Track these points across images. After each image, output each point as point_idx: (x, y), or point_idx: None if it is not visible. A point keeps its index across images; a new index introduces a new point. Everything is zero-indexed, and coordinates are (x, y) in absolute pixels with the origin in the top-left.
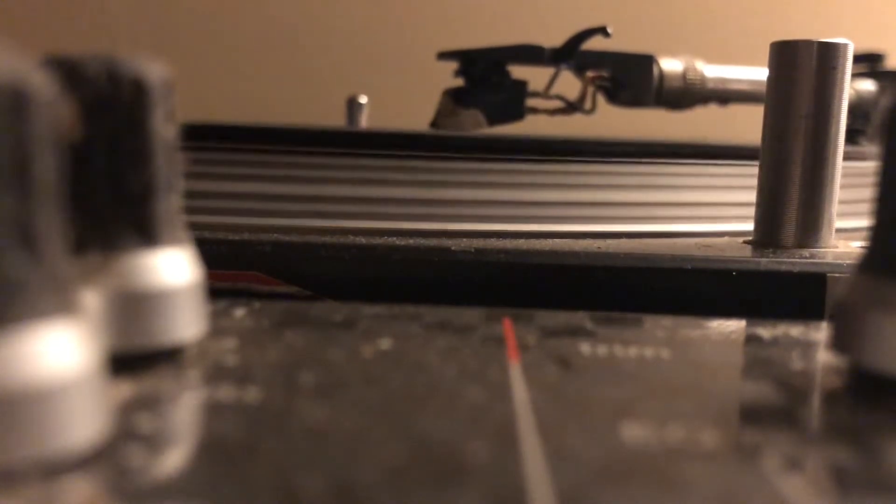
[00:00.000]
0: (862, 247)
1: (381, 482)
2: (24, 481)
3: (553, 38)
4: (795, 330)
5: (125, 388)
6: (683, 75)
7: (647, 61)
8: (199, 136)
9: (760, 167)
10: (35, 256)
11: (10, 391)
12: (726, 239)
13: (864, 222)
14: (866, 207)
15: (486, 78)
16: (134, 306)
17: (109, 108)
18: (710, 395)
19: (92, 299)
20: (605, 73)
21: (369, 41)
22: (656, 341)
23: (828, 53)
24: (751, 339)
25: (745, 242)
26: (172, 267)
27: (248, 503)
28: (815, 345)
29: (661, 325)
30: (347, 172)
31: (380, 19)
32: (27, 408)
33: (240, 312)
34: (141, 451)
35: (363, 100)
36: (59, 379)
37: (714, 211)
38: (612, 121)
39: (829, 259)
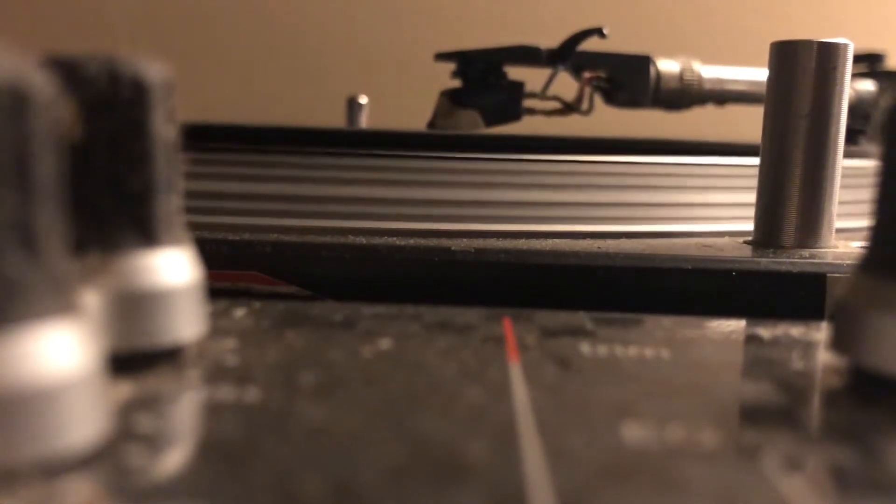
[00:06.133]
0: (862, 247)
1: (381, 482)
2: (24, 481)
3: (550, 38)
4: (795, 330)
5: (125, 388)
6: (680, 76)
7: (644, 62)
8: (199, 136)
9: (760, 167)
10: (35, 256)
11: (10, 391)
12: (726, 239)
13: (864, 222)
14: (866, 207)
15: (483, 79)
16: (134, 306)
17: (109, 108)
18: (710, 395)
19: (92, 299)
20: (602, 74)
21: (369, 41)
22: (656, 341)
23: (828, 53)
24: (751, 339)
25: (745, 242)
26: (172, 267)
27: (248, 503)
28: (815, 345)
29: (661, 325)
30: (347, 172)
31: (380, 19)
32: (27, 408)
33: (240, 312)
34: (141, 451)
35: (363, 100)
36: (59, 379)
37: (714, 211)
38: (610, 121)
39: (829, 259)
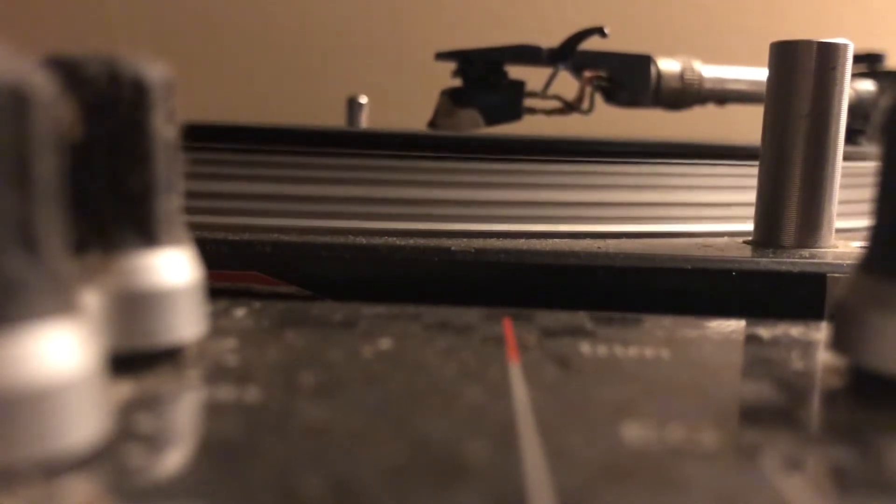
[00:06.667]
0: (862, 247)
1: (381, 482)
2: (24, 481)
3: (550, 38)
4: (795, 330)
5: (125, 388)
6: (681, 75)
7: (644, 61)
8: (199, 136)
9: (760, 167)
10: (35, 256)
11: (10, 391)
12: (726, 239)
13: (864, 222)
14: (866, 207)
15: (484, 78)
16: (134, 306)
17: (109, 108)
18: (710, 395)
19: (92, 299)
20: (602, 74)
21: (369, 41)
22: (656, 341)
23: (828, 53)
24: (751, 339)
25: (745, 242)
26: (172, 267)
27: (248, 503)
28: (815, 345)
29: (661, 325)
30: (347, 172)
31: (380, 19)
32: (27, 408)
33: (240, 312)
34: (141, 451)
35: (363, 100)
36: (59, 379)
37: (714, 211)
38: (610, 121)
39: (829, 259)
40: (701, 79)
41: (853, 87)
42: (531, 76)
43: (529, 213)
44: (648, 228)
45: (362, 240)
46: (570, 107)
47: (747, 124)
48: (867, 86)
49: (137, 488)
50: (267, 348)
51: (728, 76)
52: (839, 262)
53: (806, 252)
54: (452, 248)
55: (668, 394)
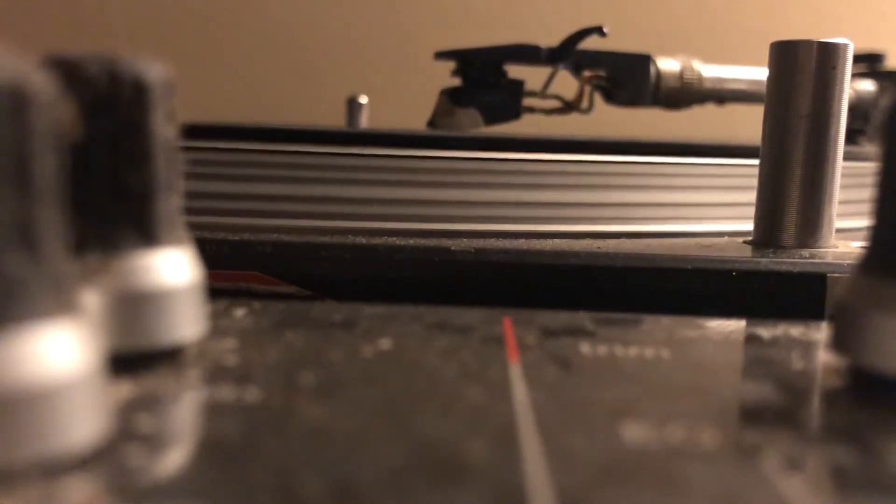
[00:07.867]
0: (862, 247)
1: (381, 482)
2: (24, 481)
3: (550, 37)
4: (795, 330)
5: (125, 388)
6: (680, 75)
7: (644, 61)
8: (199, 136)
9: (760, 167)
10: (35, 256)
11: (10, 391)
12: (726, 239)
13: (864, 222)
14: (866, 207)
15: (483, 78)
16: (134, 306)
17: (109, 108)
18: (710, 395)
19: (92, 299)
20: (602, 73)
21: (369, 41)
22: (656, 341)
23: (828, 53)
24: (751, 339)
25: (745, 242)
26: (172, 267)
27: (248, 503)
28: (815, 345)
29: (660, 325)
30: (347, 172)
31: (379, 19)
32: (27, 408)
33: (240, 312)
34: (141, 451)
35: (363, 100)
36: (59, 379)
37: (714, 211)
38: (610, 121)
39: (829, 259)
40: (700, 78)
41: (853, 87)
42: (530, 76)
43: (529, 214)
44: (648, 228)
45: (362, 240)
46: (569, 106)
47: (747, 124)
48: (867, 86)
49: (137, 488)
50: (267, 348)
51: (727, 76)
52: (839, 262)
53: (806, 252)
54: (452, 248)
55: (668, 394)
